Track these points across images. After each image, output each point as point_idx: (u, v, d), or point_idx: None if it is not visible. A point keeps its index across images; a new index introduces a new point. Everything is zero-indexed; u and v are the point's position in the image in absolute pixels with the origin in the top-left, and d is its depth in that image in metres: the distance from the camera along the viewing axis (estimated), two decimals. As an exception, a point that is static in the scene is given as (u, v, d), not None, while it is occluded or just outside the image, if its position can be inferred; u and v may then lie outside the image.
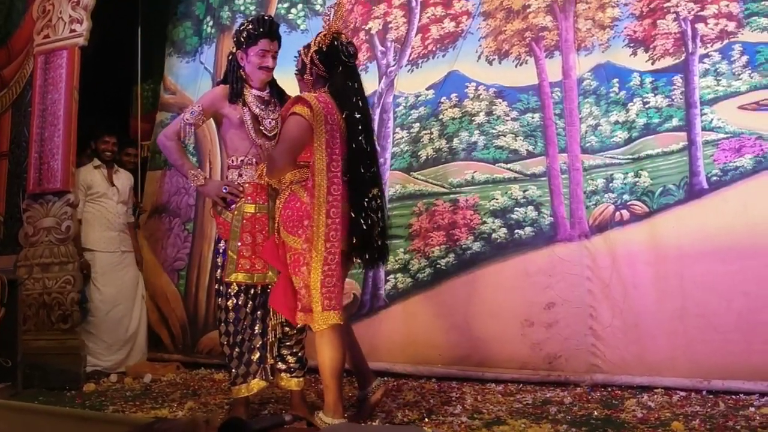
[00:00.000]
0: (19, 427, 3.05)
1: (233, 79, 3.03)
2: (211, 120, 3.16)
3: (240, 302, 2.95)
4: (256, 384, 2.96)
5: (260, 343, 2.96)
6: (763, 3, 3.33)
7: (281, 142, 2.80)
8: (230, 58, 3.10)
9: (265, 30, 2.99)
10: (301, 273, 2.68)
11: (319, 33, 2.86)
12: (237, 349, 2.96)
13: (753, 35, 3.34)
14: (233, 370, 2.97)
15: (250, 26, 3.01)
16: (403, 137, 4.11)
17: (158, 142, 3.21)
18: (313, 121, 2.67)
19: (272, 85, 3.11)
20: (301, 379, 3.03)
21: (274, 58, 3.04)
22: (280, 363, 3.00)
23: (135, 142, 5.13)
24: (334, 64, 2.80)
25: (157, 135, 3.61)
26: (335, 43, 2.80)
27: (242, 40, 3.01)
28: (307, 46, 2.87)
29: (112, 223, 4.46)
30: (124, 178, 4.61)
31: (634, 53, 3.59)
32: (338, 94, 2.78)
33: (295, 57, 2.93)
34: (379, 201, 2.81)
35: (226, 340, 2.98)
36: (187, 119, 3.02)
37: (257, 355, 2.95)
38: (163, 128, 3.44)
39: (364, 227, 2.71)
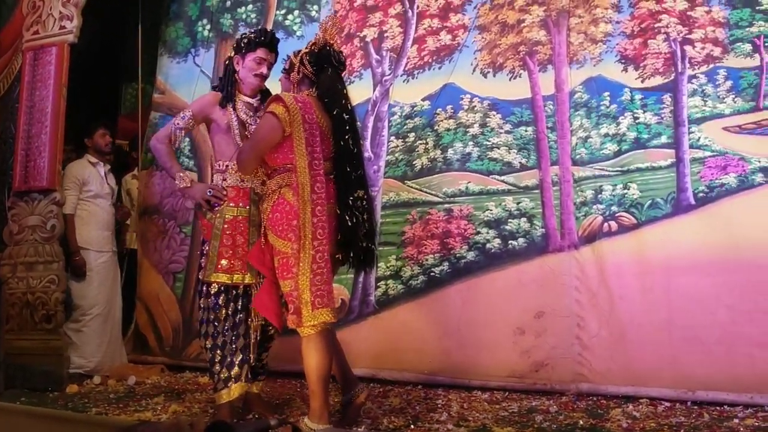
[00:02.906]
0: (1, 427, 3.01)
1: (227, 83, 3.13)
2: None
3: (220, 302, 3.00)
4: (237, 388, 3.00)
5: (243, 344, 3.01)
6: (747, 30, 3.40)
7: (251, 138, 2.92)
8: (227, 62, 3.19)
9: (266, 39, 3.12)
10: (291, 275, 2.67)
11: (313, 39, 2.94)
12: (219, 352, 2.99)
13: (737, 60, 3.41)
14: (215, 375, 3.01)
15: (252, 34, 3.13)
16: (398, 146, 4.12)
17: (150, 145, 3.33)
18: (287, 122, 2.70)
19: (263, 94, 3.17)
20: (261, 382, 3.24)
21: (269, 68, 3.14)
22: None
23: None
24: (323, 67, 2.86)
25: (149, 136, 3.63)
26: (327, 47, 2.88)
27: (242, 45, 3.12)
28: (299, 51, 2.94)
29: (107, 223, 4.41)
30: (112, 178, 4.56)
31: (625, 70, 3.64)
32: (328, 93, 2.83)
33: (284, 60, 2.99)
34: (364, 203, 2.83)
35: (209, 343, 3.02)
36: (177, 124, 3.16)
37: (239, 357, 3.00)
38: (153, 128, 3.43)
39: (349, 224, 2.73)
